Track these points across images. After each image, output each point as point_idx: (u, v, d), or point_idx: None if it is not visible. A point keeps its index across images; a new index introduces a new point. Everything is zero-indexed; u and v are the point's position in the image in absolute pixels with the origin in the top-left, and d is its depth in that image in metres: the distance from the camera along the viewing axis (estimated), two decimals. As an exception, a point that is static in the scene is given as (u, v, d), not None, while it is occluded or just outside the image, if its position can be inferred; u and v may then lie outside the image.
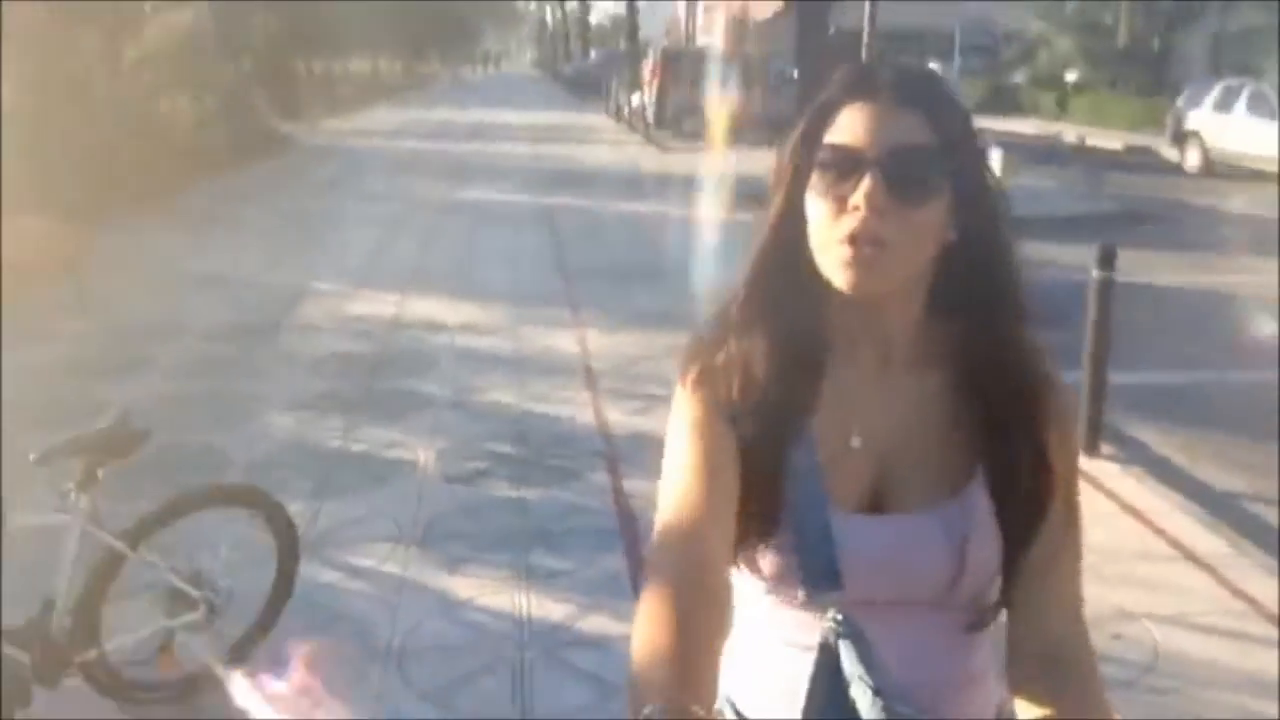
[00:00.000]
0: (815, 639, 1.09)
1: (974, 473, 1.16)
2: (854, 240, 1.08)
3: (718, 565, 1.10)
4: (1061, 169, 16.54)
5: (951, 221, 1.12)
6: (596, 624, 3.49)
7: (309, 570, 3.52)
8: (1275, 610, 3.58)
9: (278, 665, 2.92)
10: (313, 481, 4.58)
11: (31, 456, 2.63)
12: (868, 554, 1.13)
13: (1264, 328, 7.05)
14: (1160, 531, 4.24)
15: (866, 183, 1.08)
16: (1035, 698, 1.14)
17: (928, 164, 1.10)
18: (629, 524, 4.21)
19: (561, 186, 14.90)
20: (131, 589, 2.96)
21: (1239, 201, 14.51)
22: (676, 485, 1.14)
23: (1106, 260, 4.82)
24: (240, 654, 3.13)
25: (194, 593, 2.97)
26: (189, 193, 13.23)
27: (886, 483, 1.17)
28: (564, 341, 6.94)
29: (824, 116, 1.14)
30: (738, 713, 1.24)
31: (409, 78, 53.29)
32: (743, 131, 19.42)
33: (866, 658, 1.05)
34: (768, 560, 1.15)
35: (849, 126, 1.11)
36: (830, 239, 1.11)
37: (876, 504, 1.17)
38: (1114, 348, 4.94)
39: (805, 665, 1.09)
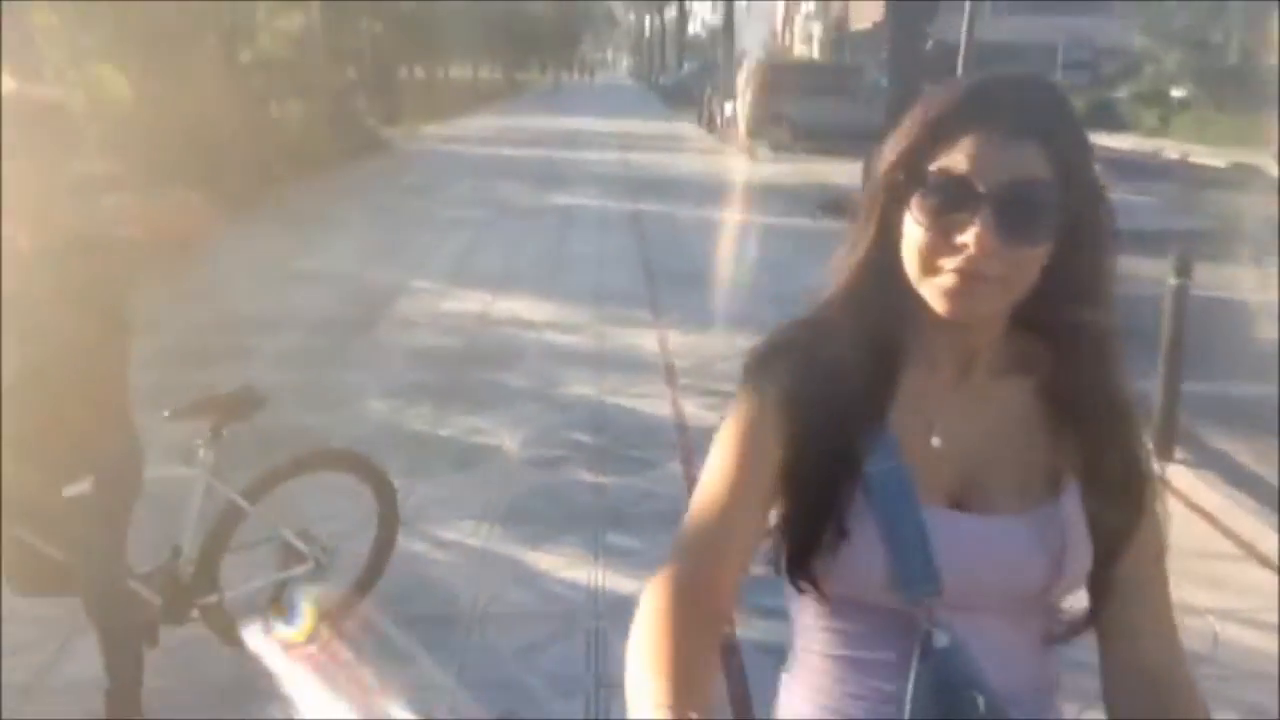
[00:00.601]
0: (895, 647, 1.10)
1: (1064, 481, 1.13)
2: (960, 274, 1.04)
3: (728, 574, 1.08)
4: (1158, 184, 16.27)
5: (1055, 242, 1.06)
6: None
7: (403, 541, 3.81)
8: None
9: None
10: (406, 463, 4.89)
11: (165, 413, 2.95)
12: (962, 551, 1.10)
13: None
14: (1228, 531, 4.33)
15: (978, 223, 1.01)
16: None
17: (1044, 200, 1.03)
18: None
19: (650, 193, 15.19)
20: (248, 542, 3.27)
21: (1342, 222, 14.10)
22: (708, 483, 1.12)
23: (1183, 269, 4.90)
24: (343, 608, 3.43)
25: (304, 549, 3.28)
26: (295, 191, 13.83)
27: (971, 484, 1.13)
28: (646, 340, 7.19)
29: (934, 135, 1.06)
30: None
31: (508, 84, 54.29)
32: (835, 142, 19.49)
33: (973, 662, 1.07)
34: (843, 569, 1.11)
35: (962, 153, 1.04)
36: (932, 266, 1.06)
37: (963, 504, 1.13)
38: (1189, 357, 5.01)
39: (891, 674, 1.11)
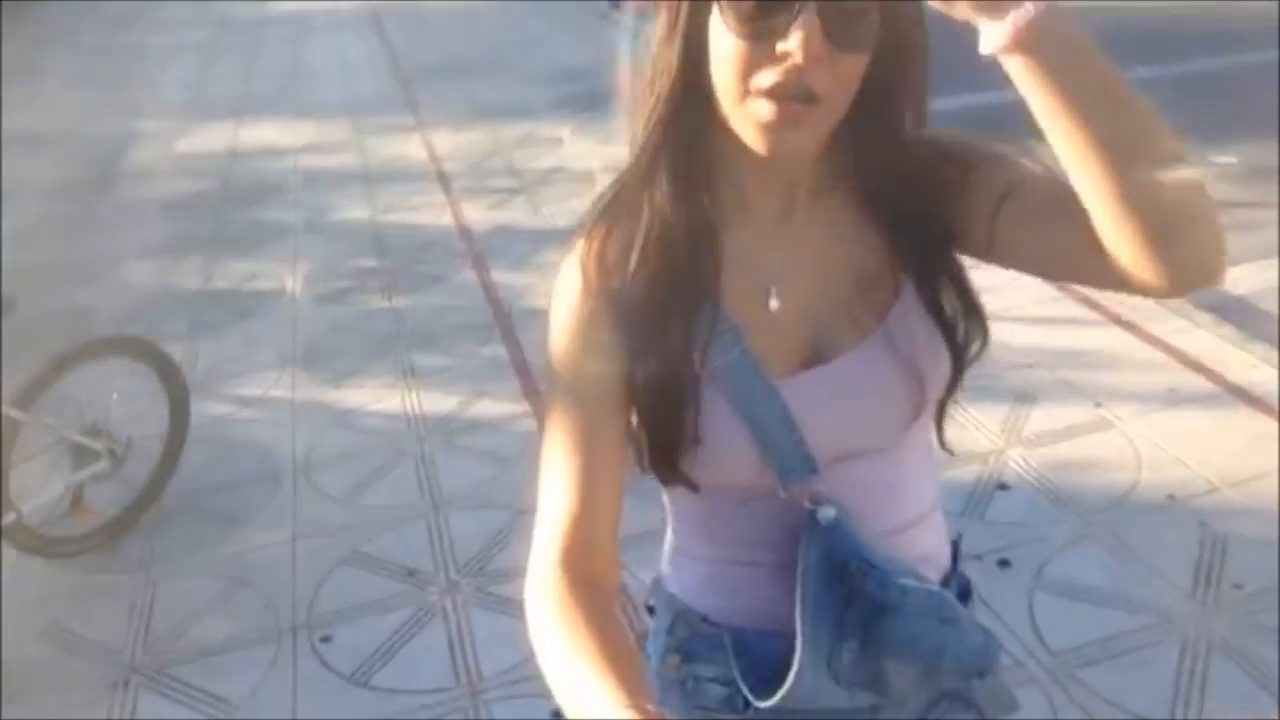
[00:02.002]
0: (780, 529, 1.06)
1: (900, 287, 1.05)
2: (779, 95, 0.89)
3: (604, 530, 1.02)
4: None
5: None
6: (486, 408, 3.76)
7: (203, 406, 3.68)
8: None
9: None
10: (186, 324, 4.64)
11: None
12: (822, 409, 1.03)
13: None
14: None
15: (801, 24, 0.86)
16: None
17: None
18: (502, 314, 4.43)
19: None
20: (34, 451, 3.08)
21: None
22: (554, 424, 1.03)
23: None
24: (152, 494, 3.31)
25: (95, 445, 3.11)
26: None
27: (816, 334, 1.04)
28: (411, 147, 6.89)
29: None
30: (708, 621, 1.15)
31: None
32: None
33: (855, 534, 1.04)
34: (711, 464, 1.04)
35: None
36: (743, 89, 0.91)
37: (814, 356, 1.05)
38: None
39: (779, 558, 1.06)
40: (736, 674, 1.12)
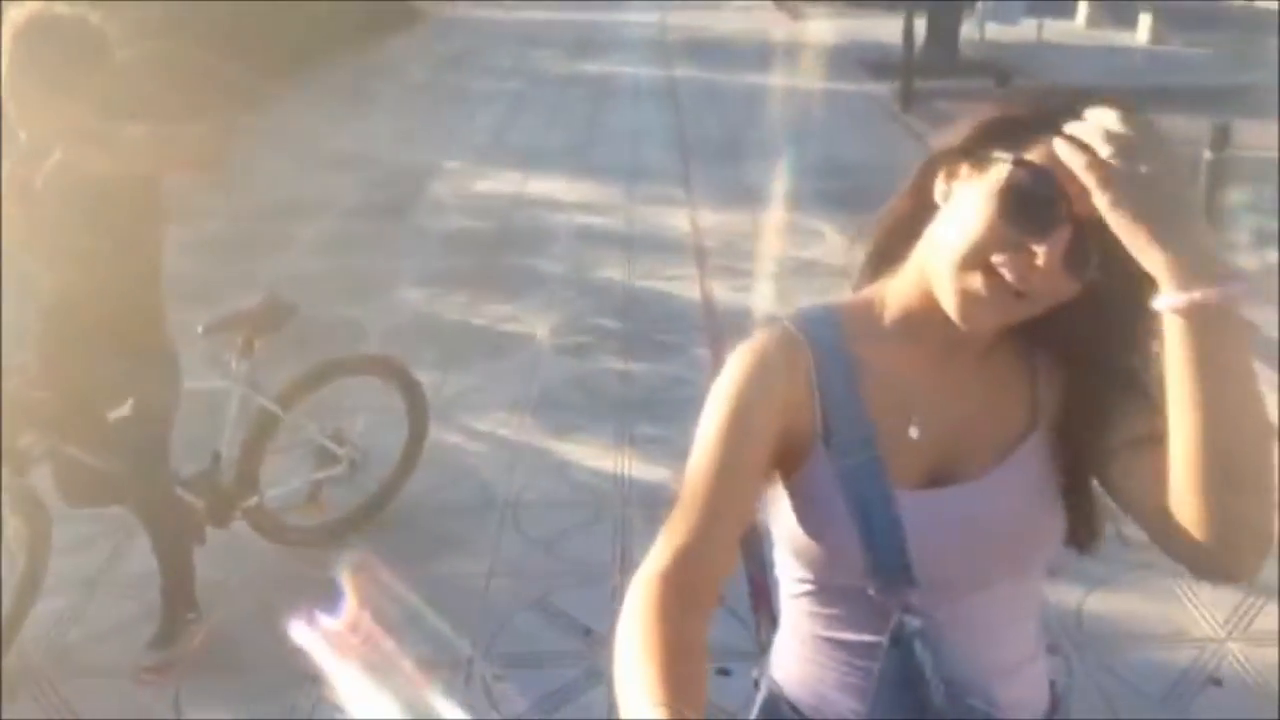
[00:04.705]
0: (872, 631, 1.12)
1: (1032, 426, 1.12)
2: (1000, 280, 0.98)
3: (719, 559, 1.06)
4: (1215, 35, 15.54)
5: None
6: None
7: (437, 432, 3.95)
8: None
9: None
10: (440, 353, 5.00)
11: (199, 329, 3.06)
12: (935, 530, 1.09)
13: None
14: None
15: (1059, 236, 0.95)
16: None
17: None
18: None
19: (687, 57, 14.85)
20: (284, 446, 3.41)
21: None
22: (703, 451, 1.09)
23: (1219, 142, 4.76)
24: (378, 504, 3.59)
25: (337, 450, 3.42)
26: (325, 69, 13.68)
27: (944, 458, 1.12)
28: (677, 220, 7.16)
29: (1034, 121, 0.99)
30: (794, 708, 1.23)
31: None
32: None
33: (937, 652, 1.09)
34: (821, 554, 1.12)
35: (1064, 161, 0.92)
36: (974, 260, 0.99)
37: (938, 479, 1.12)
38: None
39: (865, 658, 1.13)
40: None
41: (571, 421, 4.36)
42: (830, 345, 1.13)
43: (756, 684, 1.33)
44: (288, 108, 11.02)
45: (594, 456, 4.08)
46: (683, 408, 4.43)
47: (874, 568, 1.08)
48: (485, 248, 6.70)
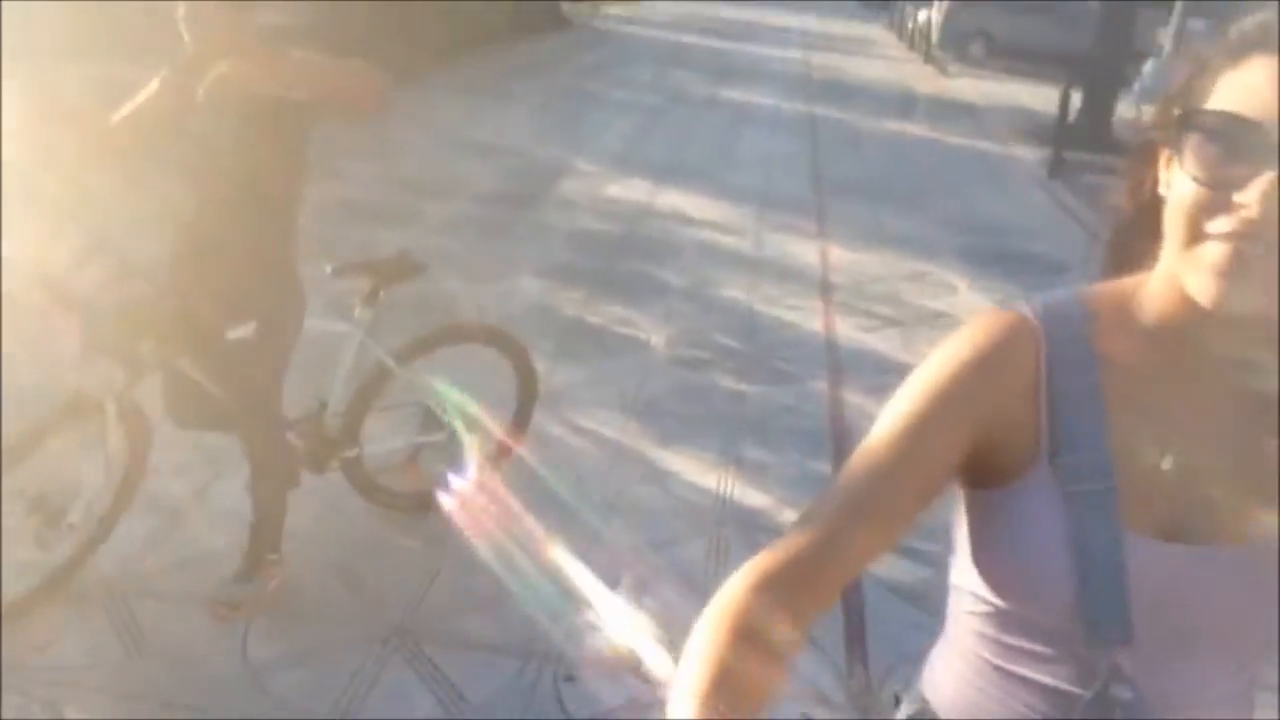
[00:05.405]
0: (1065, 679, 0.98)
1: None
2: (1231, 245, 0.84)
3: (842, 568, 0.94)
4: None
5: None
6: (790, 519, 3.65)
7: (541, 421, 3.85)
8: None
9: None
10: (553, 345, 4.92)
11: (328, 268, 3.00)
12: (1163, 588, 0.93)
13: None
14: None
15: (1265, 178, 0.82)
16: None
17: None
18: (839, 433, 4.32)
19: (829, 97, 14.69)
20: (390, 405, 3.33)
21: None
22: (863, 452, 0.97)
23: None
24: (472, 479, 3.49)
25: (443, 417, 3.33)
26: (471, 63, 13.90)
27: (1192, 509, 0.94)
28: (806, 251, 6.99)
29: (1206, 74, 0.89)
30: None
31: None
32: (1034, 64, 18.41)
33: (1139, 713, 0.95)
34: (1022, 583, 0.97)
35: (1244, 91, 0.85)
36: (1194, 233, 0.87)
37: (1177, 532, 0.94)
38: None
39: (1052, 706, 0.99)
40: None
41: (677, 432, 4.22)
42: (1073, 342, 0.96)
43: (897, 699, 1.19)
44: (433, 93, 11.18)
45: (696, 471, 3.93)
46: (793, 437, 4.28)
47: (1085, 615, 0.92)
48: (609, 250, 6.62)
